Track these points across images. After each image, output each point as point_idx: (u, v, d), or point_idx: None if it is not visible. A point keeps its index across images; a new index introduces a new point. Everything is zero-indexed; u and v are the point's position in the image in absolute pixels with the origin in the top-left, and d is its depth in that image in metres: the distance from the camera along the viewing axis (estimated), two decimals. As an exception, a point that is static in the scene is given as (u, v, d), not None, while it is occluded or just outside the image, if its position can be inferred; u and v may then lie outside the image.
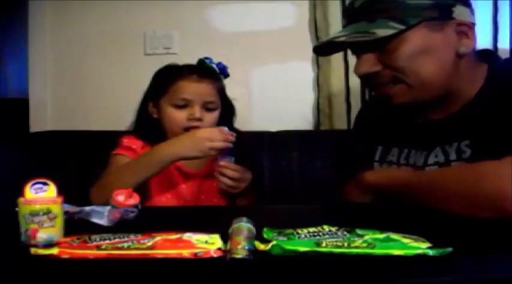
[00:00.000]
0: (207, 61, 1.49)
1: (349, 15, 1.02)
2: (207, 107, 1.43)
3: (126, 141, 1.46)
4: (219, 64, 1.50)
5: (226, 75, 1.52)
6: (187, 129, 1.41)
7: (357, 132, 1.29)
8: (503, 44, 1.88)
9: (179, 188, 1.44)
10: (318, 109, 2.05)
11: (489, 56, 1.07)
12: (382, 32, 0.95)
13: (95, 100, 2.15)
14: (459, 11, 0.97)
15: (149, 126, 1.47)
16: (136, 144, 1.45)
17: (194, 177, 1.45)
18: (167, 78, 1.46)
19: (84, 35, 2.15)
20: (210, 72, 1.47)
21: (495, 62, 1.04)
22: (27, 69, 2.18)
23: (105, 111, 2.12)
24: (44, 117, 2.16)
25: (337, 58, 1.99)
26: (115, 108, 2.09)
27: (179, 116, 1.42)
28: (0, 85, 2.82)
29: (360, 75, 1.01)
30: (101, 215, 0.94)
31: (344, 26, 1.05)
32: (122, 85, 2.12)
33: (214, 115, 1.45)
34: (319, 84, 2.04)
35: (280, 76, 2.08)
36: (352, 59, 1.93)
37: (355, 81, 1.98)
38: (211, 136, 1.26)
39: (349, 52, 1.92)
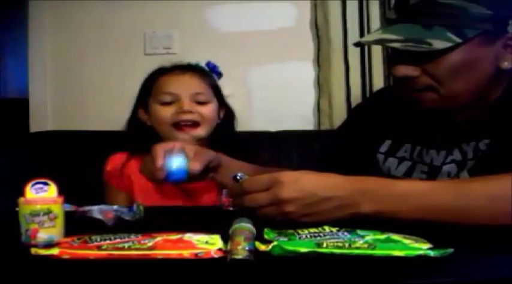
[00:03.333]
0: (196, 63, 1.45)
1: (402, 11, 0.98)
2: (197, 100, 1.35)
3: (108, 169, 1.41)
4: (209, 63, 1.46)
5: (219, 74, 1.47)
6: (176, 125, 1.34)
7: (356, 123, 1.26)
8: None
9: (175, 203, 1.35)
10: (318, 109, 2.05)
11: None
12: (439, 44, 0.91)
13: (94, 100, 2.14)
14: None
15: (142, 134, 1.41)
16: (115, 165, 1.40)
17: (190, 189, 1.36)
18: (150, 78, 1.42)
19: (84, 35, 2.15)
20: (196, 68, 1.41)
21: None
22: (27, 69, 2.18)
23: (105, 111, 2.12)
24: (44, 117, 2.16)
25: (337, 58, 1.99)
26: (115, 108, 2.08)
27: (166, 113, 1.33)
28: (0, 85, 2.82)
29: (397, 77, 0.98)
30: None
31: (391, 21, 0.99)
32: (122, 85, 2.11)
33: (208, 109, 1.36)
34: (320, 84, 2.04)
35: (281, 76, 2.08)
36: (352, 60, 1.99)
37: (355, 81, 1.99)
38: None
39: (349, 52, 1.97)
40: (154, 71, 1.45)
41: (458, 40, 0.92)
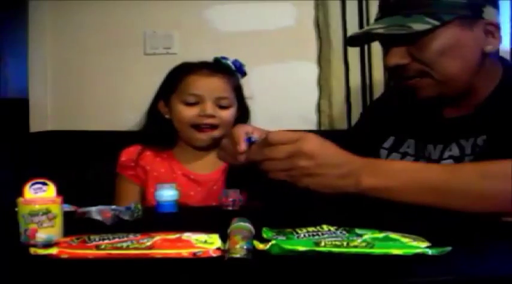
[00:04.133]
0: (223, 59, 1.44)
1: (384, 9, 1.06)
2: (220, 104, 1.36)
3: (122, 159, 1.41)
4: (235, 61, 1.45)
5: (244, 74, 1.47)
6: (197, 127, 1.36)
7: (364, 121, 1.33)
8: (503, 44, 1.87)
9: (186, 195, 1.33)
10: (318, 109, 2.05)
11: (501, 58, 1.12)
12: (418, 26, 0.98)
13: (94, 100, 2.15)
14: (488, 11, 1.02)
15: (159, 126, 1.42)
16: (130, 156, 1.40)
17: (203, 183, 1.39)
18: (177, 74, 1.41)
19: (84, 35, 2.15)
20: (224, 68, 1.42)
21: (508, 63, 1.10)
22: (27, 69, 2.19)
23: (105, 111, 2.12)
24: (44, 117, 2.17)
25: (337, 59, 1.99)
26: (115, 108, 2.09)
27: (188, 113, 1.35)
28: (0, 85, 2.83)
29: (390, 66, 1.04)
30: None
31: (377, 19, 1.07)
32: (122, 85, 2.12)
33: (229, 113, 1.38)
34: (320, 84, 2.04)
35: (281, 77, 2.08)
36: (353, 60, 1.99)
37: (355, 82, 1.99)
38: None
39: (348, 53, 1.97)
40: (181, 67, 1.44)
41: (436, 23, 0.98)
